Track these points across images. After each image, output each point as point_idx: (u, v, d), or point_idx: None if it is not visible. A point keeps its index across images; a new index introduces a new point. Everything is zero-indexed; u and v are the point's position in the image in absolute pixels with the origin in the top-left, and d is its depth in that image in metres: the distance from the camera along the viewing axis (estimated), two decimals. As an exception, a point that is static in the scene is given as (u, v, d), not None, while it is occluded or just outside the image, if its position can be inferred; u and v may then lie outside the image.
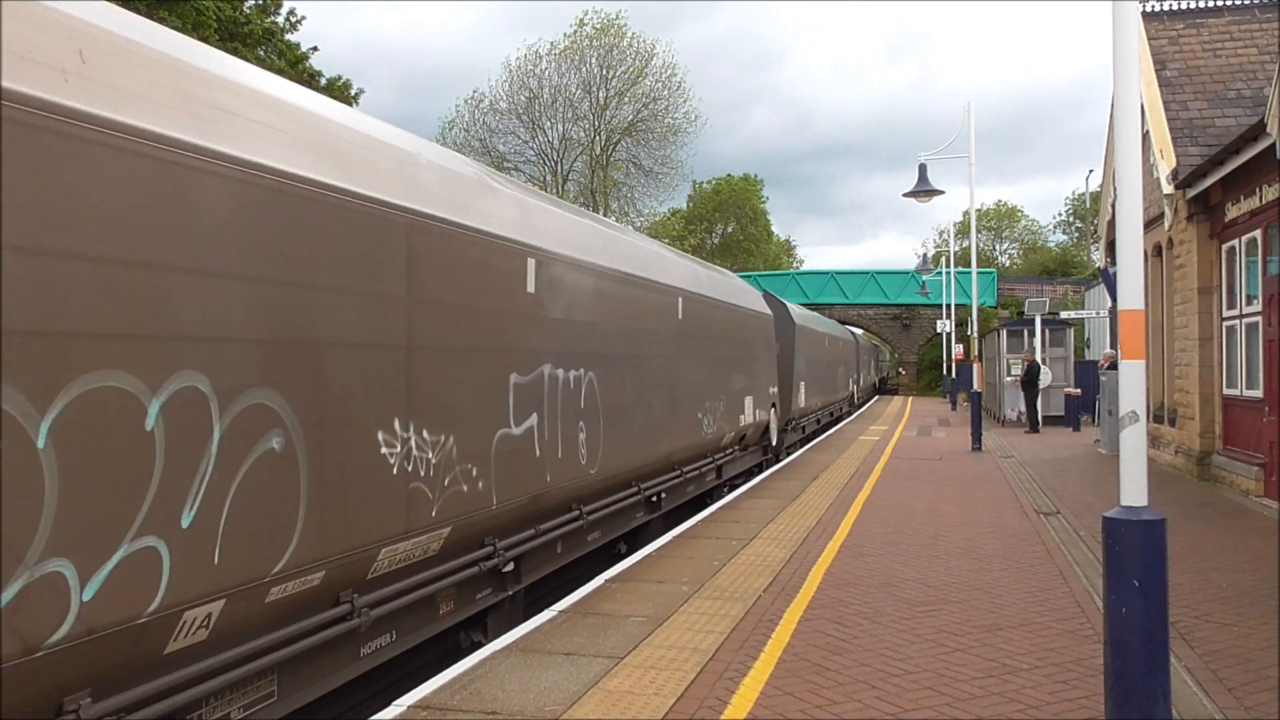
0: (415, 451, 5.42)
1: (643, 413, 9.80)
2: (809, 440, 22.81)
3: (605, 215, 43.62)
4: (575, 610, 6.95)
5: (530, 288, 7.03)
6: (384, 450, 5.13)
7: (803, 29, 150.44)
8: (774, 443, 17.67)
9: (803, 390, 20.79)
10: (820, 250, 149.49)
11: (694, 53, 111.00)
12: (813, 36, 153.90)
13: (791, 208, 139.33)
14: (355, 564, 4.97)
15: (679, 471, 11.33)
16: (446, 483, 5.73)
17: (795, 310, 21.45)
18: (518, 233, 6.93)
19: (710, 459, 12.93)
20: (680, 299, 11.23)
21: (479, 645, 6.39)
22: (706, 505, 12.28)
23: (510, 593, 6.99)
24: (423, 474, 5.51)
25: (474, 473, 6.09)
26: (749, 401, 15.15)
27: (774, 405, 17.55)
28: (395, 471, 5.23)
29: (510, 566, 6.86)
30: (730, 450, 14.31)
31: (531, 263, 7.06)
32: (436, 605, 6.07)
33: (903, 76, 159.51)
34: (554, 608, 7.03)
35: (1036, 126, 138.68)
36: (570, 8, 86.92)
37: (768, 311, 17.71)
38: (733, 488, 14.24)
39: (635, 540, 10.12)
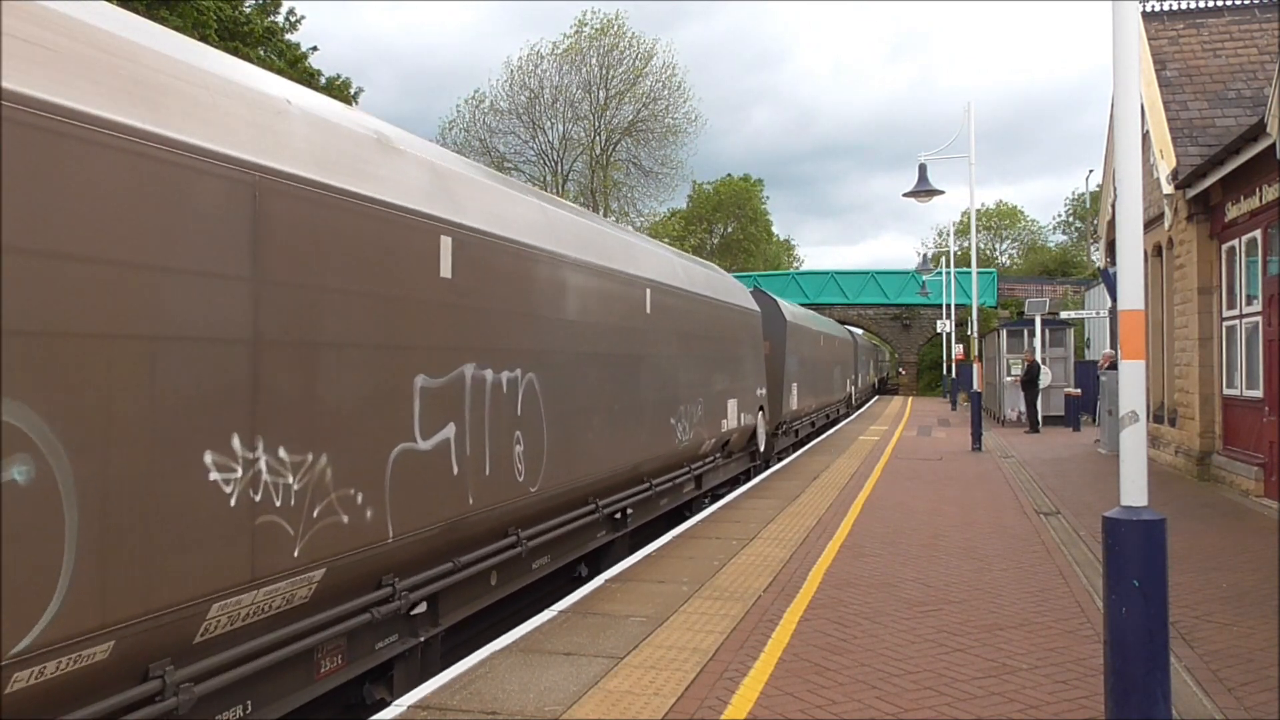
0: (266, 476, 4.29)
1: (600, 419, 8.56)
2: (803, 444, 21.83)
3: (605, 215, 43.63)
4: (575, 610, 6.95)
5: (445, 271, 5.87)
6: (215, 476, 4.00)
7: (803, 29, 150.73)
8: (761, 449, 16.55)
9: (795, 392, 19.70)
10: (821, 250, 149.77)
11: (695, 53, 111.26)
12: (813, 37, 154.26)
13: (792, 208, 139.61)
14: (170, 627, 3.84)
15: (648, 484, 10.21)
16: (316, 514, 4.60)
17: (787, 307, 20.25)
18: (428, 205, 5.78)
19: (687, 469, 11.86)
20: (649, 291, 10.07)
21: (384, 703, 5.43)
22: (685, 518, 11.40)
23: (423, 638, 5.87)
24: (278, 504, 4.36)
25: (359, 499, 4.95)
26: (733, 405, 13.94)
27: (762, 408, 16.33)
28: (234, 503, 4.10)
29: (422, 607, 5.82)
30: (711, 458, 13.14)
31: (447, 241, 5.88)
32: (315, 662, 4.94)
33: (903, 76, 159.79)
34: (554, 608, 7.03)
35: (1037, 127, 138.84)
36: (571, 8, 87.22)
37: (755, 308, 16.58)
38: (716, 498, 13.29)
39: (598, 562, 9.09)
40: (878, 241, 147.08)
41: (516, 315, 6.98)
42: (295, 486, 4.49)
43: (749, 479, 15.50)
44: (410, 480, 5.44)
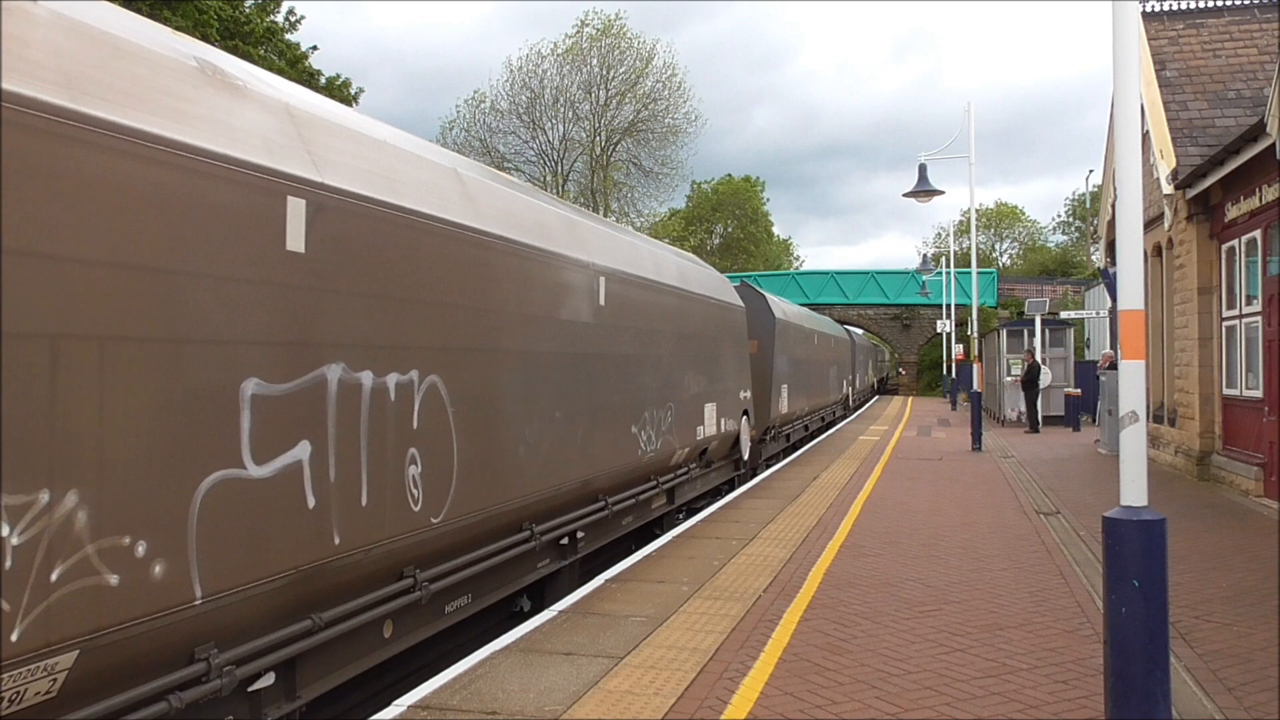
0: None
1: (537, 430, 7.18)
2: (795, 449, 20.67)
3: (605, 215, 43.63)
4: (575, 610, 6.95)
5: (295, 244, 4.59)
6: None
7: (807, 29, 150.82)
8: (745, 457, 15.19)
9: (785, 394, 18.43)
10: (822, 250, 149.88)
11: (699, 53, 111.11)
12: (817, 37, 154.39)
13: (794, 208, 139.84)
14: None
15: (603, 503, 8.86)
16: (57, 576, 3.37)
17: (776, 303, 18.82)
18: (269, 156, 4.51)
19: (654, 482, 10.52)
20: (603, 280, 8.71)
21: None
22: (655, 535, 10.45)
23: (270, 719, 4.63)
24: None
25: (141, 550, 3.68)
26: (711, 410, 12.56)
27: (746, 413, 14.98)
28: None
29: (269, 679, 4.60)
30: (685, 469, 11.77)
31: (297, 205, 4.60)
32: None
33: (907, 76, 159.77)
34: (554, 607, 7.03)
35: (1041, 126, 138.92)
36: (575, 7, 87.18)
37: (738, 303, 15.10)
38: (691, 512, 12.12)
39: (543, 594, 7.90)
40: (879, 241, 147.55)
41: (413, 304, 5.59)
42: (15, 540, 3.23)
43: (732, 489, 14.36)
44: (234, 519, 4.17)
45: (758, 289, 18.28)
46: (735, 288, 16.41)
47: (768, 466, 17.45)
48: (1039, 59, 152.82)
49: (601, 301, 8.69)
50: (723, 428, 13.26)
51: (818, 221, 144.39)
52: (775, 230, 77.70)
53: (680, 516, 11.84)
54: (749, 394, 15.21)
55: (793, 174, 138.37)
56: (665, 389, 10.61)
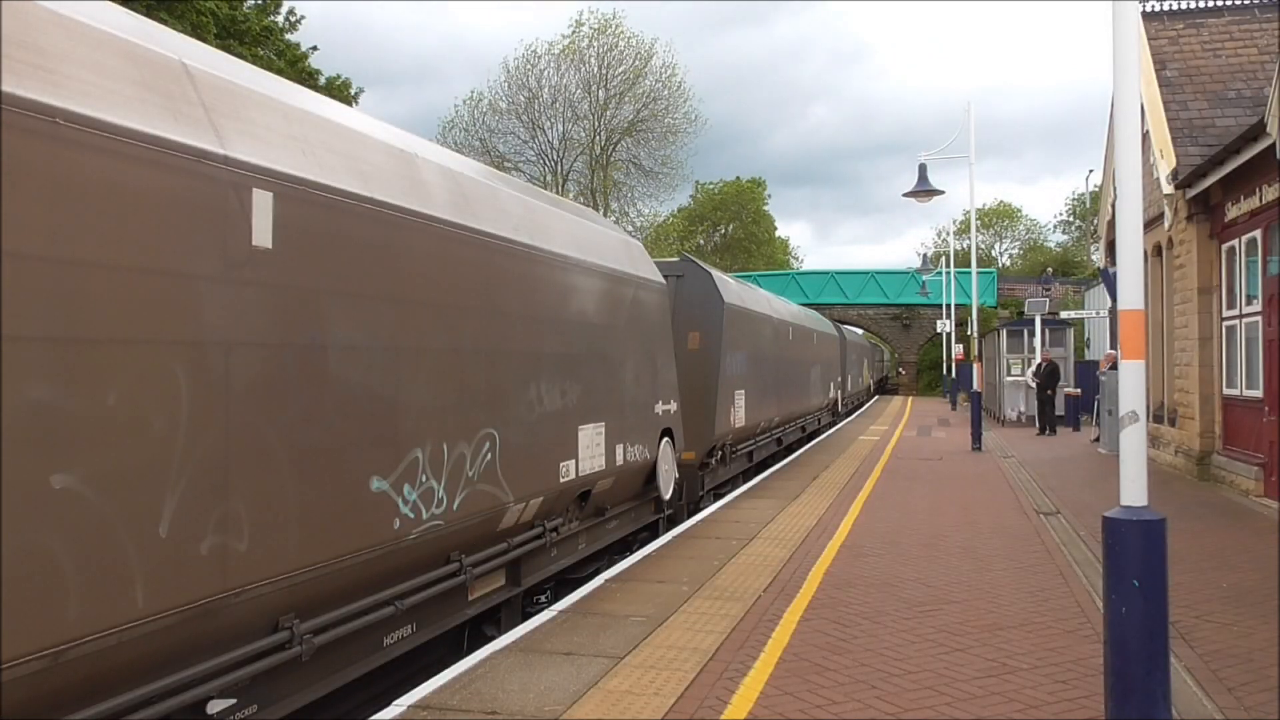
0: None
1: None
2: (763, 468, 16.87)
3: (605, 214, 43.60)
4: (575, 610, 6.95)
5: None
6: None
7: (879, 30, 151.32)
8: (665, 495, 10.93)
9: (740, 402, 14.32)
10: (854, 248, 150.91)
11: (769, 51, 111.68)
12: (888, 37, 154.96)
13: (833, 205, 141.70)
14: None
15: (288, 631, 4.65)
16: None
17: (727, 284, 14.32)
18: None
19: (456, 564, 6.31)
20: (265, 198, 4.46)
21: None
22: (490, 637, 6.73)
23: None
24: None
25: None
26: (592, 435, 8.44)
27: (668, 434, 10.84)
28: None
29: None
30: (538, 529, 7.62)
31: None
32: None
33: (969, 76, 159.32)
34: (554, 607, 7.03)
35: (1094, 124, 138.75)
36: (608, 6, 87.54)
37: (654, 279, 10.75)
38: (567, 584, 8.45)
39: None
40: (903, 240, 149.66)
41: None
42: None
43: (652, 538, 10.48)
44: None
45: (702, 265, 13.87)
46: (673, 262, 12.92)
47: (717, 497, 13.47)
48: (1079, 61, 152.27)
49: (260, 240, 4.45)
50: (622, 458, 9.33)
51: (856, 219, 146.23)
52: (779, 233, 77.87)
53: (543, 599, 8.07)
54: (673, 406, 11.14)
55: (840, 172, 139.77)
56: (473, 407, 6.44)
